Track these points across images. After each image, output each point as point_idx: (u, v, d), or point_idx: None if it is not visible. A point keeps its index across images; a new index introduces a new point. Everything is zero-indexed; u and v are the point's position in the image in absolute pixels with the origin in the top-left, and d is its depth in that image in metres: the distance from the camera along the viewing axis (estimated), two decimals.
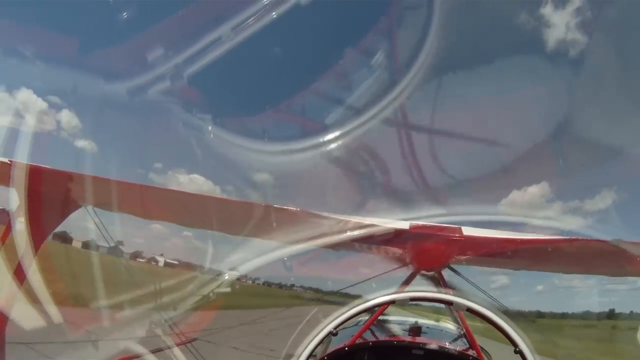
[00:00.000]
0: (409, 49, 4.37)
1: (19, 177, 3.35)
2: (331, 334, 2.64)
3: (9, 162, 3.46)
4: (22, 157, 3.52)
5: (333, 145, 3.99)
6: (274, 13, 3.72)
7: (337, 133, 4.00)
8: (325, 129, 4.16)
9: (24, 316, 3.66)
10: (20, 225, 3.51)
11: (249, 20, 3.69)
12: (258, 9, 3.69)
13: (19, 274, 3.58)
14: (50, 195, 3.72)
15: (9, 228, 3.53)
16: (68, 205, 3.85)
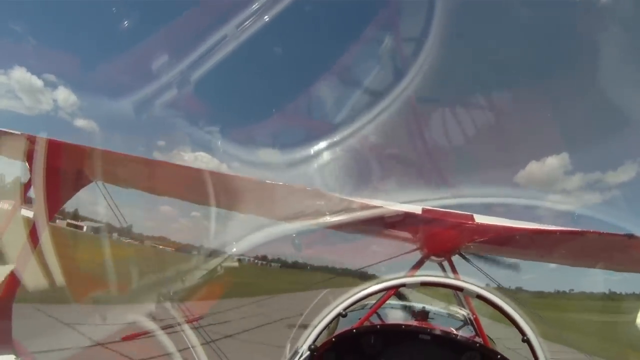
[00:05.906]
0: (413, 36, 4.26)
1: (37, 151, 3.34)
2: (340, 315, 2.63)
3: (22, 135, 3.45)
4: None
5: (344, 136, 3.96)
6: (276, 8, 3.66)
7: (347, 124, 3.96)
8: (334, 121, 4.11)
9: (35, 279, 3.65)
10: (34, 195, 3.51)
11: (252, 18, 3.64)
12: (261, 4, 3.64)
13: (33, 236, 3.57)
14: (63, 169, 3.71)
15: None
16: (79, 180, 3.84)
